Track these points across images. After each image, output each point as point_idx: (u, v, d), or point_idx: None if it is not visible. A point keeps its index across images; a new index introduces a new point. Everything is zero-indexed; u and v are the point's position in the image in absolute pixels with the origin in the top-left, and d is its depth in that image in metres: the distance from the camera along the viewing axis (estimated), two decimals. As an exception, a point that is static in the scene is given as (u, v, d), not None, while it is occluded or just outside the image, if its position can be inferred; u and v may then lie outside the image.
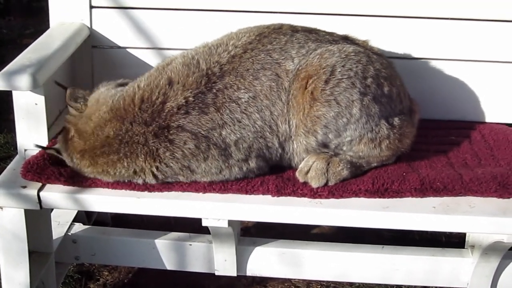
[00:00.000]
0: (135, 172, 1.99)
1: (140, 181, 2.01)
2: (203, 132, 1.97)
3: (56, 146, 2.12)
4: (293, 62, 2.05)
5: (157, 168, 1.98)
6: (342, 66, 2.02)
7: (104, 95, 2.07)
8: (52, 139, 2.20)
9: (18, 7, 5.70)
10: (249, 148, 2.01)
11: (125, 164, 1.98)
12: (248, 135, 2.00)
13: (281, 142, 2.05)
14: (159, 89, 1.98)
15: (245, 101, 1.99)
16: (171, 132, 1.95)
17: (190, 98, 1.97)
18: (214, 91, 1.99)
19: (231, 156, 2.00)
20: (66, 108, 2.18)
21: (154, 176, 2.00)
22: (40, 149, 2.10)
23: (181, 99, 1.96)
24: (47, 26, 2.54)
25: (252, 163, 2.03)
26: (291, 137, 2.05)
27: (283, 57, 2.05)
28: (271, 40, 2.08)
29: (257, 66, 2.03)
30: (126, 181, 2.02)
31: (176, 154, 1.97)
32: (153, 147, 1.96)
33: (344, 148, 2.06)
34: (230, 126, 1.98)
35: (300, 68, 2.04)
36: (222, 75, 2.01)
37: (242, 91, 2.00)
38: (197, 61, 2.03)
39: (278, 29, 2.13)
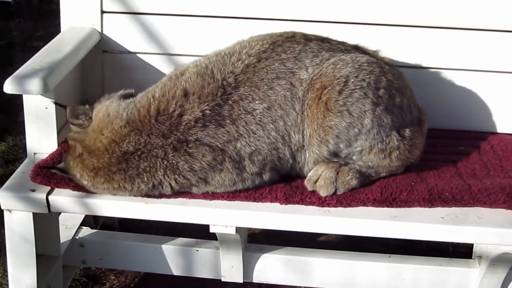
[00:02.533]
0: (153, 186, 1.98)
1: (156, 193, 2.00)
2: (219, 145, 1.96)
3: (61, 165, 2.07)
4: (307, 71, 2.04)
5: (175, 180, 1.97)
6: (355, 76, 2.02)
7: (114, 107, 2.01)
8: (61, 143, 2.20)
9: (28, 9, 5.73)
10: (263, 160, 2.00)
11: (145, 179, 1.97)
12: (263, 146, 1.99)
13: (293, 152, 2.04)
14: (176, 101, 1.96)
15: (260, 112, 1.98)
16: (190, 145, 1.94)
17: (207, 111, 1.95)
18: (230, 102, 1.97)
19: (245, 170, 1.99)
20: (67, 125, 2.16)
21: (172, 188, 1.99)
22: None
23: (198, 112, 1.95)
24: (57, 29, 2.56)
25: (266, 177, 2.03)
26: (303, 146, 2.05)
27: (297, 66, 2.04)
28: (285, 49, 2.07)
29: (272, 76, 2.02)
30: (143, 195, 2.01)
31: (195, 167, 1.96)
32: (173, 161, 1.94)
33: (354, 158, 2.06)
34: (245, 138, 1.97)
35: (314, 78, 2.03)
36: (237, 86, 1.99)
37: (257, 102, 1.98)
38: (211, 70, 2.01)
39: (292, 38, 2.12)
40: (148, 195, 2.01)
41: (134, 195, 2.00)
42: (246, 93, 1.99)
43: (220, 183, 2.00)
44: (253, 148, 1.98)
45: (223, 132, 1.96)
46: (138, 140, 1.94)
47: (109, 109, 2.02)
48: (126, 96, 2.09)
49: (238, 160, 1.98)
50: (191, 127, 1.94)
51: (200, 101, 1.96)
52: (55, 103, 2.11)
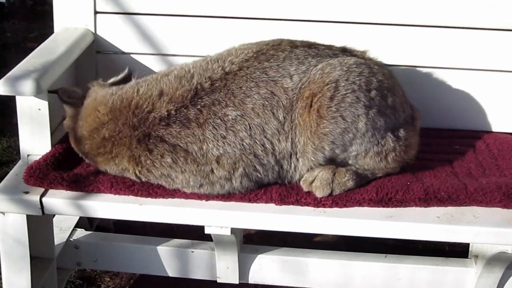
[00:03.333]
0: (122, 170, 2.06)
1: (126, 176, 2.07)
2: (181, 145, 1.98)
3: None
4: (292, 79, 2.03)
5: (139, 171, 2.04)
6: (346, 80, 2.01)
7: (102, 94, 2.11)
8: (55, 144, 2.19)
9: (22, 10, 5.72)
10: (233, 164, 1.99)
11: (116, 162, 2.05)
12: (234, 151, 1.98)
13: (278, 159, 2.03)
14: (151, 99, 2.02)
15: (232, 119, 1.98)
16: (151, 141, 1.99)
17: (172, 112, 1.99)
18: (199, 106, 1.99)
19: (212, 173, 1.99)
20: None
21: (136, 176, 2.05)
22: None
23: (164, 111, 1.99)
24: (51, 30, 2.55)
25: (236, 183, 2.01)
26: (296, 153, 2.04)
27: (279, 75, 2.03)
28: (269, 58, 2.07)
29: (251, 84, 2.02)
30: (117, 174, 2.09)
31: (156, 162, 2.00)
32: (135, 153, 2.01)
33: (350, 162, 2.06)
34: (212, 141, 1.97)
35: (303, 86, 2.03)
36: (212, 91, 2.00)
37: (230, 108, 1.99)
38: (192, 75, 2.04)
39: (277, 46, 2.11)
40: (136, 190, 2.04)
41: (114, 174, 2.08)
42: (220, 99, 1.99)
43: (185, 183, 2.01)
44: (222, 151, 1.98)
45: (187, 134, 1.98)
46: (114, 128, 2.02)
47: (98, 94, 2.12)
48: (115, 84, 2.18)
49: (204, 163, 1.98)
50: (155, 124, 1.99)
51: (169, 101, 2.00)
52: (48, 91, 2.14)
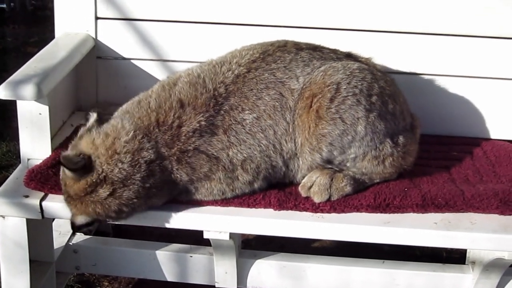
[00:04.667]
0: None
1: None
2: (214, 153, 1.97)
3: None
4: (298, 81, 2.05)
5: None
6: (347, 83, 2.02)
7: (107, 126, 1.94)
8: (55, 149, 2.20)
9: (22, 15, 5.74)
10: (257, 168, 2.01)
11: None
12: (255, 154, 2.00)
13: (285, 160, 2.05)
14: (173, 112, 1.96)
15: (250, 122, 1.99)
16: (189, 155, 1.95)
17: (203, 122, 1.96)
18: (222, 112, 1.98)
19: (237, 179, 2.00)
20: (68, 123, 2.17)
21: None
22: None
23: (195, 123, 1.95)
24: (51, 35, 2.56)
25: (257, 185, 2.04)
26: (296, 154, 2.05)
27: (287, 76, 2.05)
28: (275, 59, 2.08)
29: (261, 86, 2.03)
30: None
31: (193, 177, 1.97)
32: (177, 174, 1.95)
33: (348, 164, 2.07)
34: (236, 146, 1.98)
35: (304, 87, 2.04)
36: (228, 96, 2.00)
37: (246, 112, 2.00)
38: (203, 80, 2.02)
39: (283, 47, 2.13)
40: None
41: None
42: (236, 104, 2.00)
43: (209, 192, 2.00)
44: (245, 155, 1.99)
45: (217, 140, 1.97)
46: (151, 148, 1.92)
47: (101, 131, 1.94)
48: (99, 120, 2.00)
49: (231, 169, 1.99)
50: (190, 137, 1.95)
51: (195, 112, 1.96)
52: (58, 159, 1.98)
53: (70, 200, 1.93)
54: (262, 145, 2.00)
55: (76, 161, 1.87)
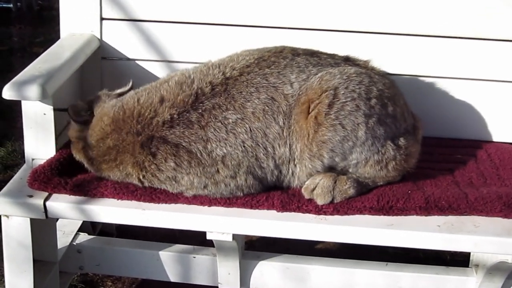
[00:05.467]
0: (127, 175, 2.08)
1: (130, 181, 2.09)
2: (184, 144, 2.00)
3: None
4: (292, 86, 2.05)
5: (143, 176, 2.06)
6: (345, 88, 2.02)
7: (107, 104, 2.14)
8: (59, 149, 2.21)
9: (28, 15, 5.76)
10: (238, 165, 2.02)
11: (120, 168, 2.08)
12: (237, 153, 2.01)
13: (277, 164, 2.05)
14: (152, 107, 2.04)
15: (233, 122, 2.01)
16: (153, 143, 2.01)
17: (175, 116, 2.01)
18: (200, 111, 2.01)
19: (218, 173, 2.01)
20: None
21: (140, 181, 2.07)
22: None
23: (167, 115, 2.01)
24: (57, 35, 2.56)
25: (241, 180, 2.03)
26: (294, 160, 2.05)
27: (280, 81, 2.06)
28: (269, 64, 2.09)
29: (251, 89, 2.04)
30: (120, 180, 2.10)
31: (160, 167, 2.02)
32: (139, 159, 2.03)
33: (350, 170, 2.07)
34: (215, 142, 2.00)
35: (300, 93, 2.04)
36: (213, 95, 2.03)
37: (230, 111, 2.01)
38: (192, 80, 2.07)
39: (279, 53, 2.13)
40: (139, 195, 2.05)
41: (117, 180, 2.10)
42: (220, 103, 2.02)
43: (189, 184, 2.02)
44: (225, 151, 2.00)
45: (191, 133, 2.00)
46: (118, 138, 2.06)
47: (103, 106, 2.14)
48: (121, 95, 2.19)
49: (210, 164, 2.00)
50: (159, 127, 2.02)
51: (171, 106, 2.03)
52: (55, 108, 2.15)
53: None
54: (246, 145, 2.01)
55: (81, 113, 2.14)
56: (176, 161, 2.01)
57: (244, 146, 2.01)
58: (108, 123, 2.08)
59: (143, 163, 2.03)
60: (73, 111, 2.15)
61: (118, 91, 2.22)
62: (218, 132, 2.00)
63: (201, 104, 2.02)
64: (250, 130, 2.01)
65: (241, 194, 2.04)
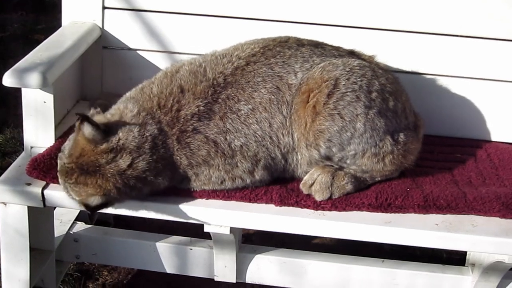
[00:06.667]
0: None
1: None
2: (212, 136, 1.98)
3: None
4: (296, 76, 2.06)
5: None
6: (347, 79, 2.02)
7: (111, 110, 2.02)
8: (58, 138, 2.20)
9: (30, 2, 5.73)
10: (254, 156, 2.01)
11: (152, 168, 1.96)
12: (251, 143, 2.01)
13: (283, 153, 2.05)
14: (173, 97, 2.00)
15: (245, 113, 2.01)
16: (188, 135, 1.97)
17: (201, 108, 1.99)
18: (220, 101, 2.01)
19: (236, 166, 2.01)
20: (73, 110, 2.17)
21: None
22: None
23: (194, 108, 1.98)
24: (59, 22, 2.56)
25: (258, 175, 2.04)
26: (294, 149, 2.05)
27: (285, 71, 2.06)
28: (275, 54, 2.09)
29: (258, 79, 2.04)
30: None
31: (192, 160, 1.98)
32: (177, 156, 1.97)
33: (348, 161, 2.06)
34: (233, 133, 2.00)
35: (302, 83, 2.04)
36: (226, 86, 2.02)
37: (242, 103, 2.01)
38: (204, 69, 2.05)
39: (284, 43, 2.13)
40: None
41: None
42: (232, 94, 2.02)
43: (207, 178, 2.01)
44: (243, 141, 2.00)
45: (214, 124, 1.99)
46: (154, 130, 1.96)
47: (106, 114, 2.01)
48: (101, 105, 2.11)
49: (231, 155, 1.99)
50: (188, 120, 1.98)
51: (194, 97, 2.00)
52: (77, 113, 1.95)
53: (85, 176, 1.90)
54: (257, 135, 2.01)
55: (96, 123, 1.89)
56: (206, 154, 1.98)
57: (255, 136, 2.01)
58: (134, 114, 1.97)
59: (180, 159, 1.99)
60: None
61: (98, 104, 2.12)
62: (234, 123, 2.00)
63: (219, 95, 2.02)
64: (260, 120, 2.02)
65: (252, 187, 2.05)
